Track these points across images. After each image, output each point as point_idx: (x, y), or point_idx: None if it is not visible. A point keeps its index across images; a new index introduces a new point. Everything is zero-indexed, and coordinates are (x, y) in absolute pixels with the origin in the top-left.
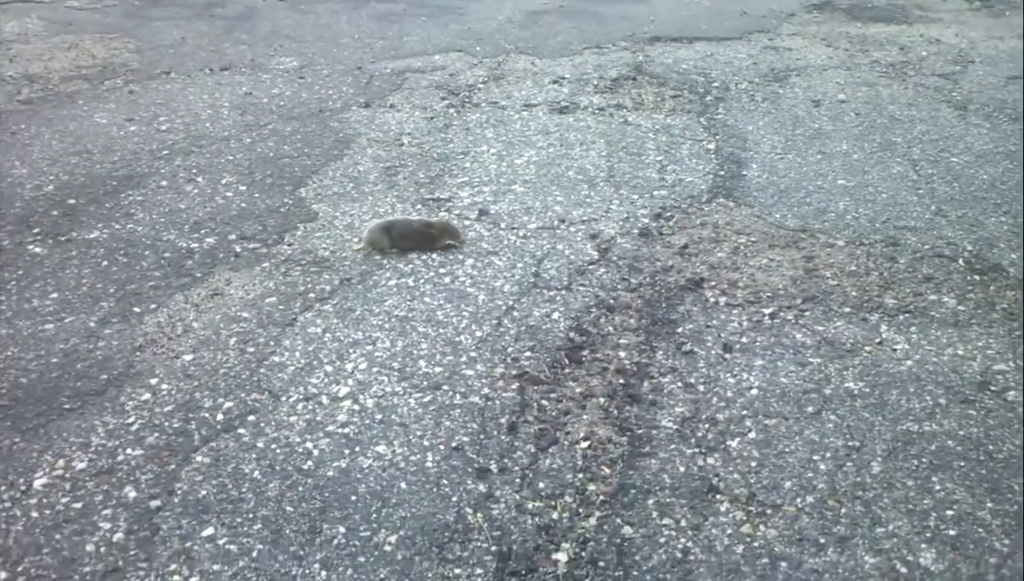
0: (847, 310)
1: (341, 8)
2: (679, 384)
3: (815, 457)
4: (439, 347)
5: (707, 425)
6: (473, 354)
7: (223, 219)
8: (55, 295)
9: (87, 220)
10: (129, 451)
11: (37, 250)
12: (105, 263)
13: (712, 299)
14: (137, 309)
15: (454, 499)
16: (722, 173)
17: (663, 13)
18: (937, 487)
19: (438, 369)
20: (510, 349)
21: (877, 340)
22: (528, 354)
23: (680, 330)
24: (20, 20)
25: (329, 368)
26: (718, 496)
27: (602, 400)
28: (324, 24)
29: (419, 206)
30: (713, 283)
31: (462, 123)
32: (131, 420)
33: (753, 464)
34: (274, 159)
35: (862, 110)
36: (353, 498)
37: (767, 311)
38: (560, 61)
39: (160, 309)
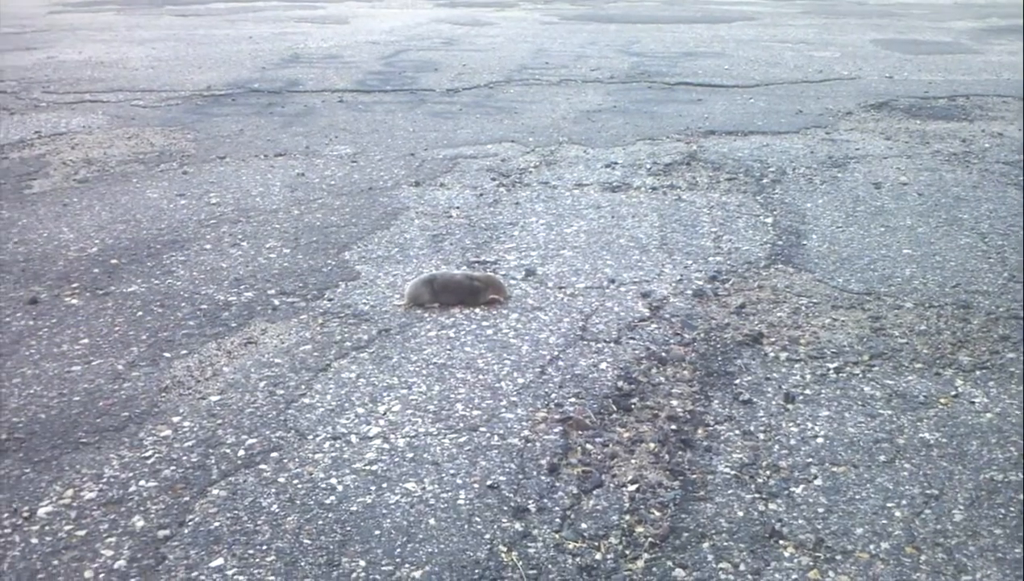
0: (919, 366)
1: (397, 108)
2: (737, 432)
3: (889, 504)
4: (478, 392)
5: (768, 471)
6: (514, 398)
7: (264, 277)
8: (86, 341)
9: (127, 276)
10: (142, 483)
11: (74, 302)
12: (140, 313)
13: (772, 354)
14: (168, 354)
15: (487, 536)
16: (780, 242)
17: (718, 112)
18: None
19: (476, 412)
20: (554, 395)
21: (953, 393)
22: (573, 400)
23: (737, 382)
24: (86, 116)
25: (360, 410)
26: (781, 541)
27: (652, 445)
28: (380, 120)
29: (464, 267)
30: (773, 339)
31: (512, 199)
32: (148, 454)
33: (820, 510)
34: (320, 227)
35: (925, 191)
36: (377, 532)
37: (832, 366)
38: (613, 150)
39: (191, 355)
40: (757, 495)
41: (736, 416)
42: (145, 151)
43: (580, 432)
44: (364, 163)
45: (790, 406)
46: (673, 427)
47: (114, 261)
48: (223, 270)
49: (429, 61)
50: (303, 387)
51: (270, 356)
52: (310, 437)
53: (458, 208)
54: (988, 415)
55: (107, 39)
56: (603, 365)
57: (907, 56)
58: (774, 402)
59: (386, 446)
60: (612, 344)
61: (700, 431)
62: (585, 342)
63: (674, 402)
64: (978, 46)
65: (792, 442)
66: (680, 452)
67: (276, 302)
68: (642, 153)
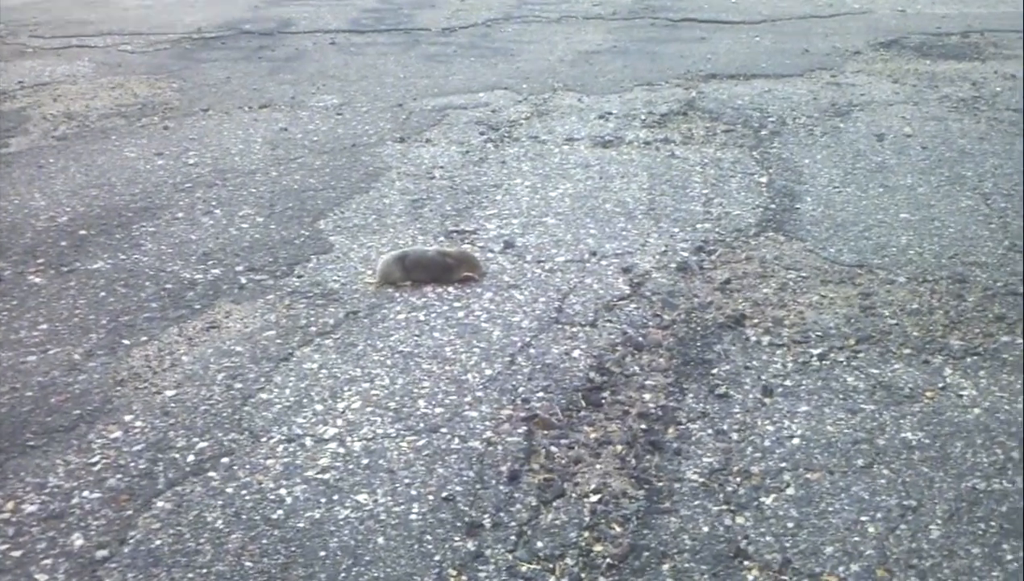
0: (907, 352)
1: (390, 50)
2: (709, 431)
3: (863, 518)
4: (442, 386)
5: (739, 479)
6: (479, 394)
7: (233, 250)
8: (44, 326)
9: (94, 250)
10: (86, 493)
11: (37, 280)
12: (103, 294)
13: (754, 338)
14: (127, 341)
15: (436, 557)
16: (773, 206)
17: (721, 52)
18: (1008, 556)
19: (438, 410)
20: (521, 389)
21: (940, 385)
22: (541, 395)
23: (715, 371)
24: (72, 63)
25: (319, 407)
26: (746, 562)
27: (619, 448)
28: (370, 64)
29: (441, 238)
30: (756, 321)
31: (498, 156)
32: (95, 460)
33: (790, 525)
34: (298, 192)
35: (929, 144)
36: (322, 553)
37: (815, 352)
38: (609, 97)
39: (151, 342)
40: (725, 506)
41: (710, 412)
42: (128, 103)
43: (545, 432)
44: (350, 115)
45: (768, 400)
46: (643, 426)
47: (83, 232)
48: (192, 243)
49: None
50: (262, 380)
51: (231, 343)
52: (264, 439)
53: (442, 167)
54: (976, 411)
55: None
56: (576, 353)
57: None
58: (751, 395)
59: (341, 450)
60: (588, 328)
61: (671, 430)
62: (560, 326)
63: (647, 396)
64: None
65: (767, 443)
66: (648, 456)
67: (243, 280)
68: (638, 101)
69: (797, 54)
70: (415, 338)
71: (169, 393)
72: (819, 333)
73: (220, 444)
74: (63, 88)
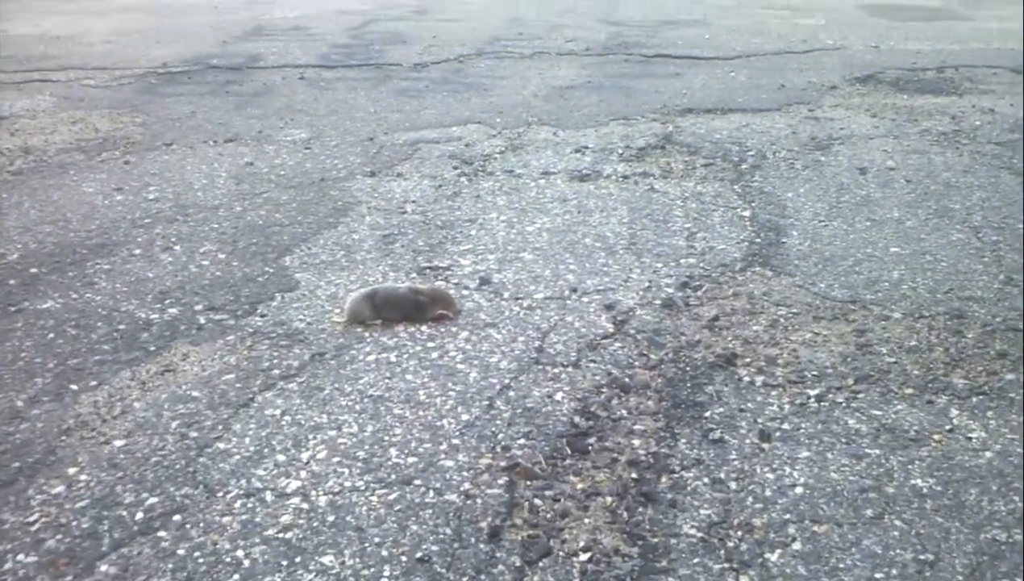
0: (909, 391)
1: (360, 85)
2: (705, 480)
3: (878, 575)
4: (415, 433)
5: (740, 532)
6: (456, 441)
7: (192, 289)
8: None
9: (44, 289)
10: (21, 557)
11: None
12: (51, 335)
13: (747, 378)
14: (74, 386)
15: None
16: (758, 240)
17: (697, 87)
18: None
19: (411, 459)
20: (501, 435)
21: (947, 427)
22: (522, 442)
23: (708, 414)
24: (33, 98)
25: (281, 457)
26: None
27: (609, 500)
28: (340, 99)
29: (413, 275)
30: (748, 360)
31: (472, 191)
32: (33, 519)
33: None
34: (262, 227)
35: (913, 177)
36: None
37: (813, 393)
38: (584, 132)
39: (101, 387)
40: (727, 564)
41: (705, 459)
42: (88, 138)
43: (528, 483)
44: (318, 150)
45: (766, 445)
46: (634, 475)
47: (34, 270)
48: (149, 281)
49: (398, 33)
50: (220, 428)
51: (188, 388)
52: (220, 494)
53: (414, 201)
54: (987, 454)
55: (67, 10)
56: (559, 395)
57: (894, 23)
58: (748, 440)
59: (305, 506)
60: (570, 368)
61: (664, 479)
62: (541, 366)
63: (636, 442)
64: (967, 11)
65: (768, 492)
66: (640, 508)
67: (202, 320)
68: (615, 136)
69: (773, 89)
70: (386, 381)
71: (118, 443)
72: (815, 373)
73: (172, 500)
74: (22, 122)
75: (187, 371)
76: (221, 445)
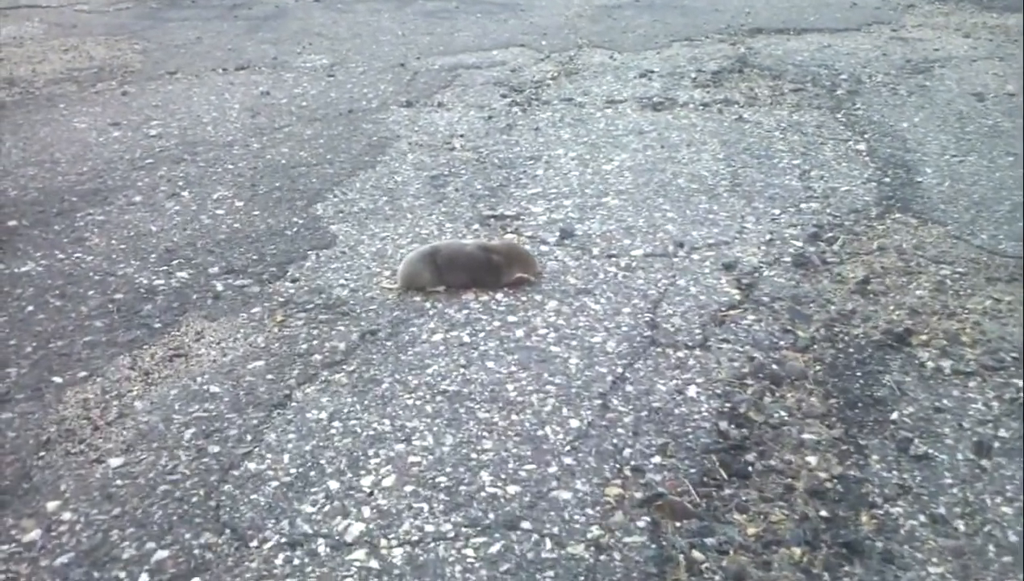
0: None
1: (383, 6)
2: (922, 518)
3: None
4: (512, 447)
5: None
6: (568, 460)
7: (206, 245)
8: None
9: (24, 247)
10: None
11: None
12: (30, 309)
13: (930, 363)
14: (58, 379)
15: None
16: (888, 179)
17: (760, 5)
18: None
19: (512, 489)
20: (627, 451)
21: None
22: (658, 460)
23: (895, 417)
24: (20, 24)
25: (334, 485)
26: None
27: (796, 551)
28: (362, 22)
29: (476, 227)
30: (924, 337)
31: (529, 123)
32: None
33: None
34: (286, 168)
35: None
36: None
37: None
38: (645, 55)
39: (92, 379)
40: None
41: (912, 485)
42: (81, 67)
43: (679, 524)
44: (343, 77)
45: (986, 462)
46: (822, 512)
47: (12, 222)
48: (152, 236)
49: None
50: (248, 439)
51: (205, 381)
52: (254, 544)
53: (462, 136)
54: None
55: None
56: (692, 390)
57: None
58: (960, 455)
59: (374, 565)
60: (698, 351)
61: (865, 518)
62: (659, 348)
63: (811, 459)
64: None
65: (1012, 537)
66: (844, 565)
67: (219, 286)
68: (681, 58)
69: (845, 7)
70: (461, 370)
71: (115, 462)
72: (1015, 353)
73: (188, 552)
74: (7, 51)
75: (202, 357)
76: (251, 465)
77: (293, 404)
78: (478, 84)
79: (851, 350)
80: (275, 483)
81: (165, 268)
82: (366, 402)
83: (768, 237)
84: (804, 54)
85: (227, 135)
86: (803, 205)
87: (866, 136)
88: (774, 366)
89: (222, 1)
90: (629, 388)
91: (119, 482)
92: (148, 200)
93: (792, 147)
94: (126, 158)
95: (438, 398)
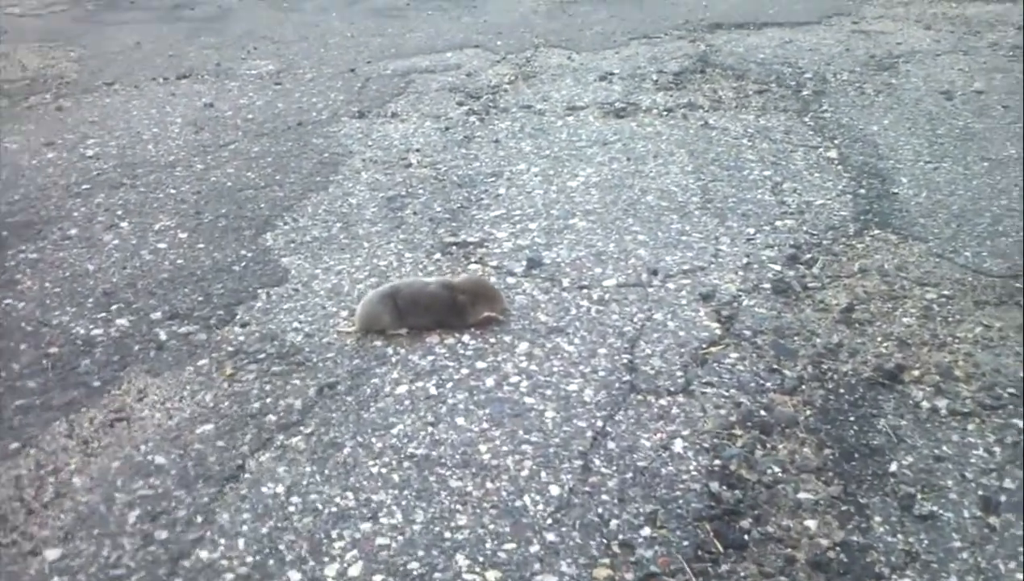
0: None
1: (331, 4)
2: None
3: None
4: (488, 522)
5: None
6: (551, 537)
7: (147, 286)
8: None
9: None
10: None
11: None
12: None
13: (925, 403)
14: None
15: None
16: (863, 191)
17: None
18: None
19: (491, 575)
20: (614, 522)
21: None
22: (647, 532)
23: (894, 468)
24: None
25: (295, 577)
26: None
27: None
28: (310, 22)
29: (437, 256)
30: (916, 372)
31: (488, 134)
32: None
33: None
34: (232, 191)
35: (1009, 101)
36: None
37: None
38: (604, 55)
39: (25, 450)
40: None
41: (920, 551)
42: (13, 79)
43: None
44: (291, 85)
45: (994, 520)
46: None
47: None
48: (89, 276)
49: None
50: (199, 521)
51: (149, 450)
52: None
53: (418, 150)
54: None
55: None
56: (678, 445)
57: None
58: (967, 513)
59: None
60: (681, 397)
61: None
62: (639, 395)
63: (811, 523)
64: None
65: None
66: None
67: (162, 335)
68: (641, 58)
69: None
70: (429, 428)
71: (51, 554)
72: (1012, 389)
73: None
74: None
75: (146, 420)
76: (203, 554)
77: (247, 476)
78: (433, 90)
79: (841, 390)
80: (230, 575)
81: (103, 314)
82: (327, 471)
83: (745, 260)
84: (766, 51)
85: (169, 154)
86: (778, 222)
87: (836, 141)
88: (762, 412)
89: (162, 2)
90: (611, 445)
91: (56, 579)
92: (84, 233)
93: (762, 156)
94: (61, 184)
95: (405, 464)
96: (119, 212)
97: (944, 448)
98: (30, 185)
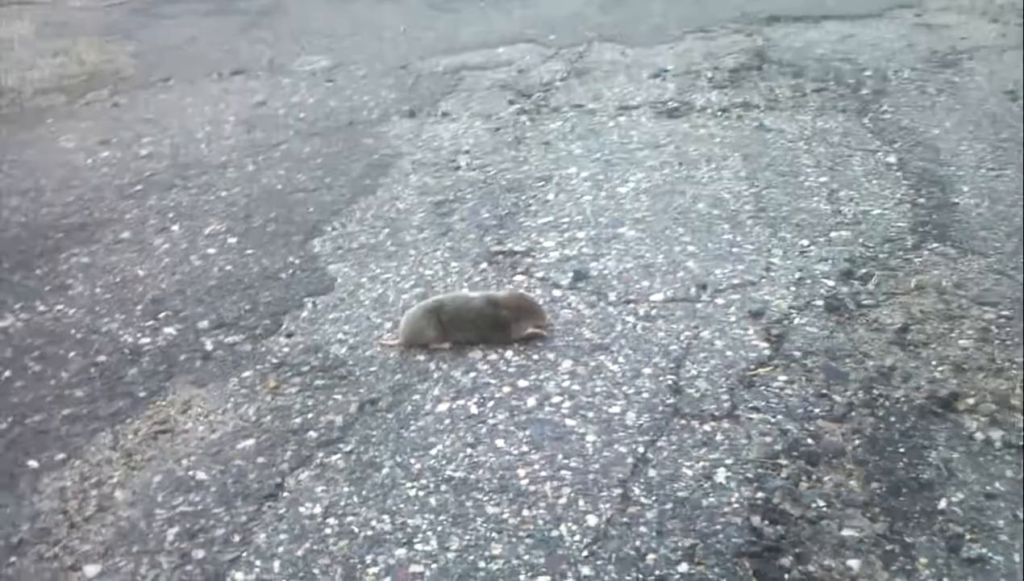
0: None
1: None
2: None
3: None
4: (523, 553)
5: None
6: (586, 570)
7: (195, 294)
8: None
9: (4, 298)
10: None
11: None
12: (8, 374)
13: (979, 434)
14: (34, 462)
15: None
16: (921, 201)
17: None
18: None
19: None
20: (651, 557)
21: None
22: (685, 568)
23: (943, 506)
24: (10, 25)
25: None
26: None
27: None
28: (363, 16)
29: (483, 266)
30: (971, 400)
31: (538, 135)
32: None
33: None
34: (282, 194)
35: None
36: None
37: None
38: (657, 49)
39: (71, 463)
40: None
41: None
42: (72, 73)
43: None
44: (343, 81)
45: None
46: None
47: None
48: (139, 282)
49: None
50: (237, 542)
51: (191, 464)
52: None
53: (467, 152)
54: None
55: None
56: (721, 475)
57: None
58: (1017, 557)
59: None
60: (726, 422)
61: None
62: (683, 420)
63: (852, 562)
64: None
65: None
66: None
67: (208, 345)
68: (696, 53)
69: None
70: (468, 450)
71: (91, 570)
72: None
73: None
74: None
75: (189, 433)
76: (239, 576)
77: (285, 495)
78: (484, 87)
79: (892, 418)
80: None
81: (151, 323)
82: (364, 492)
83: (797, 275)
84: (825, 46)
85: (221, 154)
86: (833, 233)
87: (896, 145)
88: (809, 440)
89: None
90: (652, 473)
91: None
92: (136, 236)
93: (818, 161)
94: (115, 185)
95: (443, 487)
96: (171, 215)
97: (996, 484)
98: (85, 186)
